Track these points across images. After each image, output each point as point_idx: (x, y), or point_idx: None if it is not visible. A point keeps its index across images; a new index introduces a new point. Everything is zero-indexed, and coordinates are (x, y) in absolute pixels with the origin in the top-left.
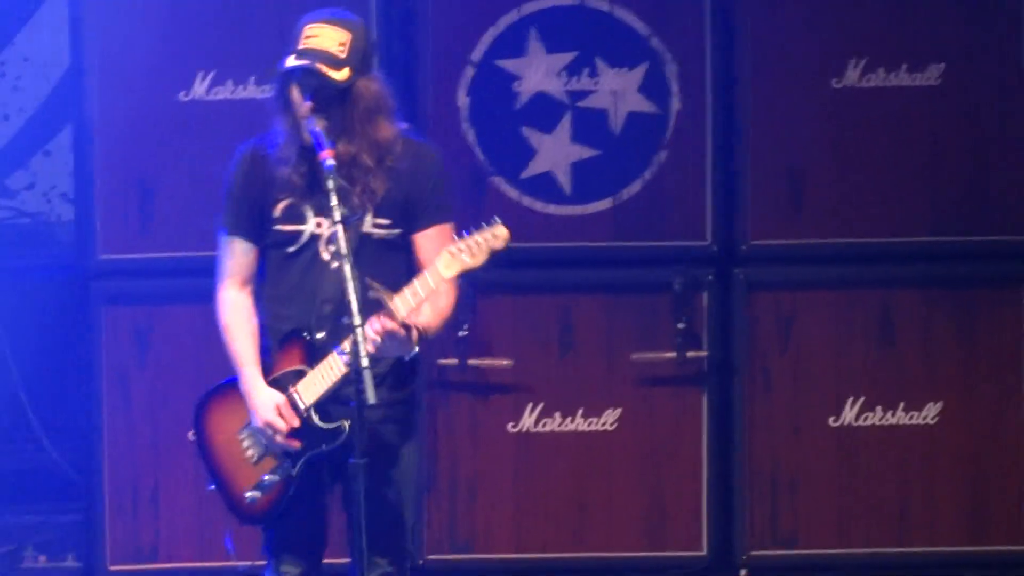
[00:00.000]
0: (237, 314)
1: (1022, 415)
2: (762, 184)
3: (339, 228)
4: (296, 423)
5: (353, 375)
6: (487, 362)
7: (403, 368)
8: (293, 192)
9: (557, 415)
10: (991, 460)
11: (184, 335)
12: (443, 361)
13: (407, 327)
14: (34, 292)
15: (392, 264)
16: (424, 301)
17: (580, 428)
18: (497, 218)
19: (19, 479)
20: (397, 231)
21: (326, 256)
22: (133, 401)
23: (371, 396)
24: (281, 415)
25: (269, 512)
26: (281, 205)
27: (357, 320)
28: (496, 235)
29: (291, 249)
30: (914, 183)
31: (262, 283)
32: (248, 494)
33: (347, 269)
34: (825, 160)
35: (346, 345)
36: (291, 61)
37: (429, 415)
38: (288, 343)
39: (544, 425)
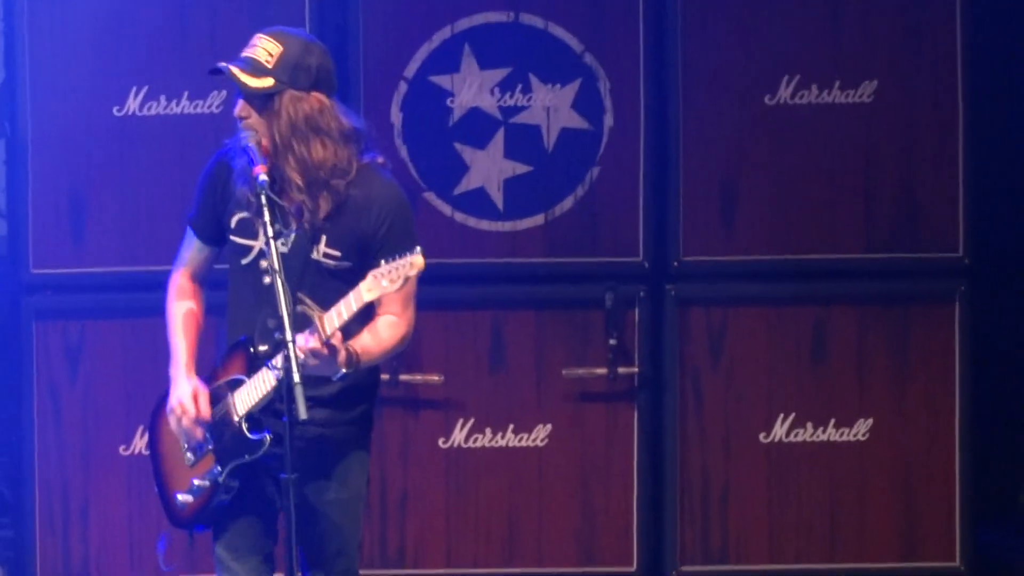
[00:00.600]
0: (180, 301)
1: (953, 433)
2: (694, 201)
3: (271, 243)
4: (206, 415)
5: (284, 392)
6: (418, 377)
7: (354, 389)
8: (248, 207)
9: (488, 431)
10: (922, 477)
11: (116, 350)
12: None
13: (332, 347)
14: None
15: (342, 294)
16: (346, 321)
17: (511, 444)
18: (418, 247)
19: None
20: (347, 264)
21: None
22: (64, 416)
23: (302, 412)
24: (196, 402)
25: (197, 516)
26: (236, 218)
27: (289, 336)
28: (412, 264)
29: (243, 262)
30: (847, 200)
31: (228, 289)
32: (179, 496)
33: (279, 284)
34: (758, 177)
35: (278, 360)
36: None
37: None
38: (234, 352)
39: (475, 441)
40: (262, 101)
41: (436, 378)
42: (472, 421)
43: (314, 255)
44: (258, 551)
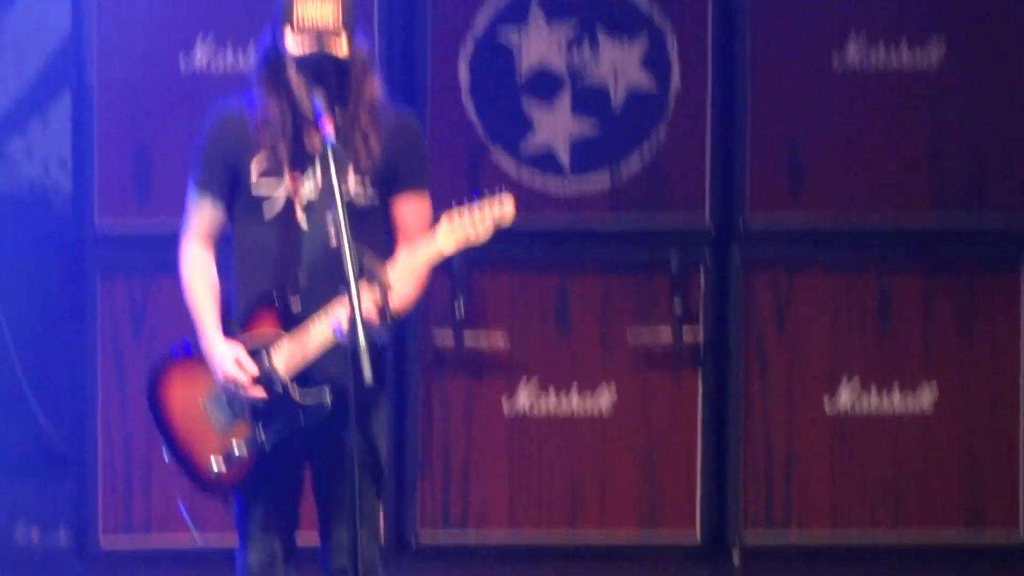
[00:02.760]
0: (198, 270)
1: (1017, 398)
2: (761, 162)
3: (339, 201)
4: (255, 372)
5: (349, 354)
6: (483, 339)
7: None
8: (272, 157)
9: (552, 393)
10: (986, 444)
11: (179, 307)
12: (438, 338)
13: (383, 310)
14: (30, 262)
15: (372, 233)
16: (416, 273)
17: (575, 406)
18: (504, 186)
19: (13, 451)
20: (378, 200)
21: (303, 223)
22: (127, 372)
23: (368, 375)
24: (241, 367)
25: (236, 483)
26: (258, 168)
27: (355, 298)
28: (503, 203)
29: (266, 215)
30: (913, 165)
31: (231, 252)
32: (214, 463)
33: (346, 244)
34: (825, 139)
35: (340, 320)
36: (292, 44)
37: (423, 391)
38: (260, 312)
39: (539, 403)
40: (337, 62)
41: (501, 339)
42: (536, 383)
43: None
44: (285, 509)
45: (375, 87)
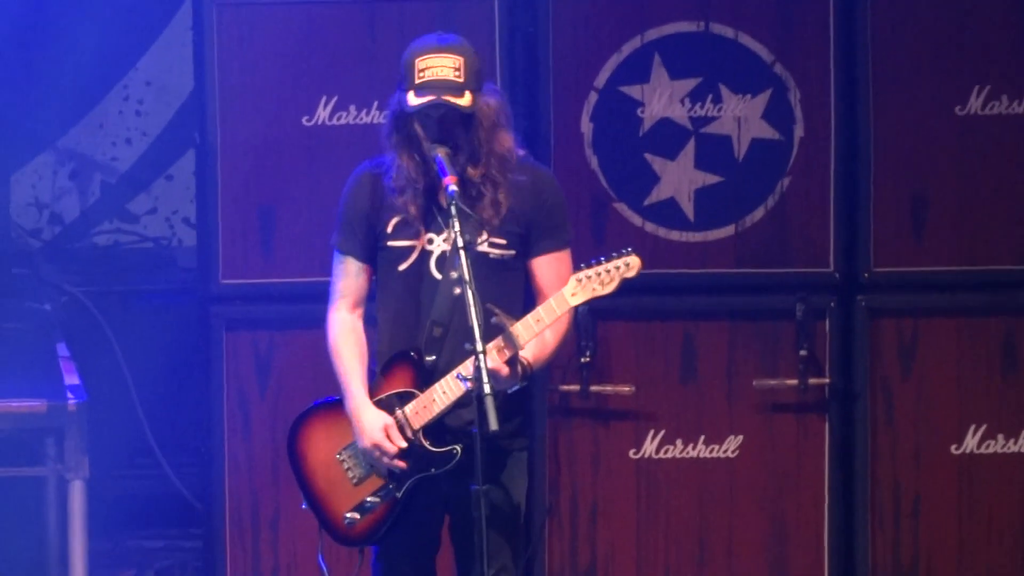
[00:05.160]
0: (345, 335)
1: None
2: (885, 211)
3: (462, 254)
4: (403, 445)
5: (475, 402)
6: (609, 388)
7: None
8: (405, 211)
9: (679, 441)
10: None
11: (305, 360)
12: (565, 387)
13: (512, 362)
14: (155, 317)
15: (505, 284)
16: (547, 328)
17: (702, 455)
18: (629, 248)
19: (140, 505)
20: (512, 252)
21: (436, 275)
22: (253, 426)
23: (493, 423)
24: (389, 437)
25: (370, 534)
26: (393, 222)
27: (479, 347)
28: (629, 264)
29: (401, 266)
30: None
31: (375, 307)
32: (347, 515)
33: (470, 296)
34: (948, 187)
35: (467, 371)
36: (413, 99)
37: (551, 441)
38: (396, 364)
39: (666, 451)
40: (462, 116)
41: (627, 389)
42: (663, 432)
43: (478, 248)
44: (421, 562)
45: (506, 142)
